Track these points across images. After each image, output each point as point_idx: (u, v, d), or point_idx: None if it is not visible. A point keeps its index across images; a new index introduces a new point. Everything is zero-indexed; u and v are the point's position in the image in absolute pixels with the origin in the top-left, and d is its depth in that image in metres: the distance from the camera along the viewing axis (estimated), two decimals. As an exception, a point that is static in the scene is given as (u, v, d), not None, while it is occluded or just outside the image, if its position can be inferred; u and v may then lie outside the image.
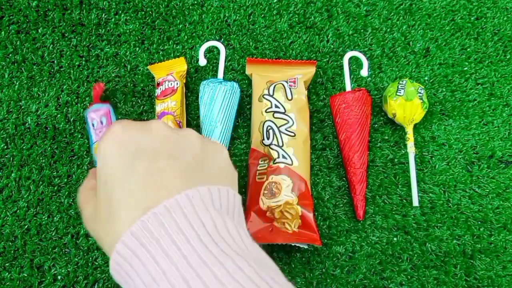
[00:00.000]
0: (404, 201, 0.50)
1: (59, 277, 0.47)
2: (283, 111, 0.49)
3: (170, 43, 0.56)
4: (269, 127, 0.48)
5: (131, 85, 0.54)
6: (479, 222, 0.50)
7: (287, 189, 0.46)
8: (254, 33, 0.56)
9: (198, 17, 0.57)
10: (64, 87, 0.54)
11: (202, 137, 0.30)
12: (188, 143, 0.28)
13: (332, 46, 0.56)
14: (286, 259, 0.48)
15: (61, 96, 0.53)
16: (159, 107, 0.51)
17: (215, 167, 0.29)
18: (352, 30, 0.57)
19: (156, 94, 0.52)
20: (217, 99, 0.49)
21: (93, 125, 0.44)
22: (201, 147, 0.29)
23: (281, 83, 0.50)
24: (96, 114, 0.47)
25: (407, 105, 0.49)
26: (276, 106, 0.49)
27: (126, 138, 0.27)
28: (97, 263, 0.48)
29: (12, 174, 0.50)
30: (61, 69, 0.54)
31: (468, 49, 0.57)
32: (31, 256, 0.48)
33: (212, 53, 0.55)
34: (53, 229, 0.49)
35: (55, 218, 0.49)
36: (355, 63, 0.55)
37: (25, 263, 0.47)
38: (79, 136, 0.52)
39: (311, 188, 0.49)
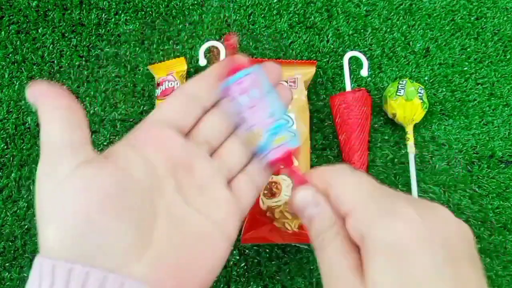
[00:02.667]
0: (404, 201, 0.50)
1: (59, 277, 0.47)
2: (283, 111, 0.49)
3: (170, 43, 0.56)
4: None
5: (131, 85, 0.54)
6: (479, 222, 0.50)
7: (287, 189, 0.46)
8: (254, 33, 0.56)
9: (198, 17, 0.57)
10: (64, 87, 0.54)
11: None
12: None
13: (332, 46, 0.56)
14: (286, 259, 0.48)
15: (61, 96, 0.53)
16: (159, 107, 0.51)
17: None
18: (352, 30, 0.57)
19: (156, 94, 0.52)
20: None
21: (241, 105, 0.25)
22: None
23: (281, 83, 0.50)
24: (241, 87, 0.25)
25: (407, 105, 0.49)
26: (276, 106, 0.49)
27: (424, 225, 0.20)
28: (97, 263, 0.48)
29: (12, 174, 0.50)
30: (61, 69, 0.54)
31: (468, 49, 0.57)
32: (31, 256, 0.48)
33: (212, 53, 0.55)
34: (53, 229, 0.49)
35: (55, 218, 0.49)
36: (355, 63, 0.55)
37: (25, 263, 0.47)
38: (79, 136, 0.52)
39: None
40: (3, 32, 0.55)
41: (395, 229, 0.20)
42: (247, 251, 0.48)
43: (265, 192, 0.46)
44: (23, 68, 0.54)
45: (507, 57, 0.56)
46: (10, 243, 0.48)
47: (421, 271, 0.19)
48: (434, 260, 0.19)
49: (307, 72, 0.52)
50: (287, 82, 0.50)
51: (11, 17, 0.56)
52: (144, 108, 0.53)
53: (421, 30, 0.57)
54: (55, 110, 0.24)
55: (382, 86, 0.55)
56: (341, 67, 0.55)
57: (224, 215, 0.24)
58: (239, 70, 0.25)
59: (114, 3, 0.57)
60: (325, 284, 0.23)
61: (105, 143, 0.52)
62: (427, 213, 0.21)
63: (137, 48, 0.55)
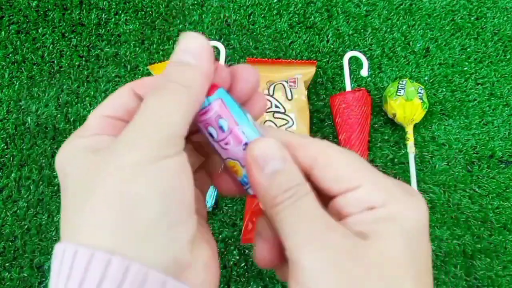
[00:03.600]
0: (404, 201, 0.50)
1: (59, 277, 0.47)
2: (283, 111, 0.49)
3: (170, 43, 0.56)
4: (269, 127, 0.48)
5: (131, 85, 0.54)
6: (479, 222, 0.50)
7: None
8: (254, 33, 0.56)
9: (198, 17, 0.57)
10: (64, 87, 0.54)
11: None
12: None
13: (332, 46, 0.56)
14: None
15: (61, 96, 0.53)
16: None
17: None
18: (352, 30, 0.57)
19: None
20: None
21: (211, 135, 0.22)
22: None
23: (281, 83, 0.50)
24: (208, 118, 0.22)
25: (407, 105, 0.49)
26: (276, 106, 0.49)
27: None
28: (97, 263, 0.48)
29: (12, 174, 0.50)
30: (61, 69, 0.54)
31: (468, 49, 0.57)
32: (31, 256, 0.48)
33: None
34: (53, 229, 0.49)
35: (55, 218, 0.49)
36: (355, 63, 0.55)
37: (25, 263, 0.47)
38: (79, 136, 0.52)
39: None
40: (3, 32, 0.55)
41: (416, 208, 0.19)
42: (247, 251, 0.48)
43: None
44: (23, 68, 0.54)
45: (507, 57, 0.56)
46: (10, 243, 0.48)
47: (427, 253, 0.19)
48: (426, 267, 0.19)
49: (307, 72, 0.52)
50: (287, 82, 0.50)
51: (11, 17, 0.56)
52: (144, 108, 0.53)
53: (421, 30, 0.57)
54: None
55: (382, 86, 0.55)
56: (341, 67, 0.55)
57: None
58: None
59: (114, 3, 0.57)
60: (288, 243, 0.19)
61: (105, 143, 0.52)
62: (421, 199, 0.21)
63: (137, 48, 0.55)
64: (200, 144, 0.24)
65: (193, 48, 0.20)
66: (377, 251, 0.18)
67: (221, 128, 0.21)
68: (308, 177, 0.20)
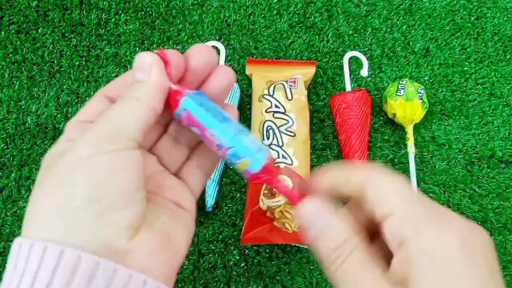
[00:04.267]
0: (404, 201, 0.50)
1: (59, 277, 0.47)
2: (283, 111, 0.49)
3: (170, 43, 0.56)
4: (269, 127, 0.48)
5: (131, 85, 0.54)
6: (479, 222, 0.50)
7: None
8: (254, 33, 0.56)
9: (198, 17, 0.57)
10: (64, 87, 0.54)
11: None
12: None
13: (332, 46, 0.56)
14: (286, 259, 0.48)
15: (61, 96, 0.53)
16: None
17: None
18: (352, 30, 0.57)
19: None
20: (217, 99, 0.49)
21: None
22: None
23: (281, 83, 0.50)
24: (184, 126, 0.25)
25: (407, 105, 0.49)
26: (276, 106, 0.49)
27: (478, 245, 0.19)
28: (97, 263, 0.47)
29: (12, 174, 0.50)
30: (61, 69, 0.54)
31: (468, 49, 0.57)
32: (31, 256, 0.48)
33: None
34: (53, 229, 0.49)
35: (55, 218, 0.49)
36: (355, 63, 0.55)
37: (25, 263, 0.47)
38: (79, 136, 0.52)
39: (311, 188, 0.49)
40: (3, 32, 0.55)
41: (445, 239, 0.18)
42: (247, 251, 0.48)
43: (265, 192, 0.46)
44: (23, 68, 0.54)
45: (507, 57, 0.56)
46: (10, 243, 0.48)
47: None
48: (482, 277, 0.18)
49: (307, 72, 0.52)
50: (287, 82, 0.50)
51: (11, 17, 0.56)
52: (144, 108, 0.53)
53: (421, 30, 0.57)
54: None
55: (382, 86, 0.55)
56: (341, 67, 0.55)
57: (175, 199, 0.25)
58: (177, 96, 0.23)
59: (114, 3, 0.57)
60: None
61: (105, 143, 0.52)
62: (471, 227, 0.19)
63: (137, 48, 0.55)
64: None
65: (143, 67, 0.23)
66: None
67: (195, 132, 0.24)
68: (362, 202, 0.21)
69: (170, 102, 0.23)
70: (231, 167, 0.22)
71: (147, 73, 0.23)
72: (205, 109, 0.23)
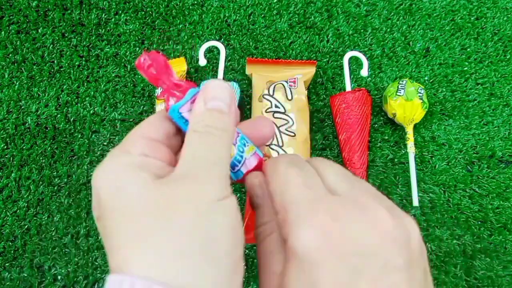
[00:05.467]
0: (404, 201, 0.50)
1: (59, 277, 0.47)
2: (283, 111, 0.49)
3: (170, 43, 0.56)
4: (269, 127, 0.48)
5: (131, 85, 0.54)
6: (479, 222, 0.50)
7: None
8: (254, 33, 0.56)
9: (198, 17, 0.57)
10: (64, 87, 0.54)
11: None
12: (413, 241, 0.20)
13: (332, 46, 0.56)
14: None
15: (61, 96, 0.53)
16: (159, 107, 0.51)
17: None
18: (352, 30, 0.57)
19: (156, 94, 0.52)
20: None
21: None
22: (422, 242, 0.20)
23: (281, 83, 0.50)
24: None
25: (407, 105, 0.49)
26: (276, 106, 0.49)
27: (338, 232, 0.18)
28: (97, 263, 0.48)
29: (12, 174, 0.50)
30: (61, 69, 0.54)
31: (468, 49, 0.56)
32: (31, 256, 0.48)
33: (212, 53, 0.55)
34: (53, 229, 0.49)
35: (55, 218, 0.49)
36: (355, 63, 0.55)
37: (25, 263, 0.47)
38: (79, 136, 0.52)
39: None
40: (3, 32, 0.55)
41: (303, 239, 0.19)
42: (247, 251, 0.48)
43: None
44: (23, 68, 0.54)
45: (507, 57, 0.56)
46: (10, 243, 0.48)
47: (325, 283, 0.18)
48: (339, 272, 0.18)
49: (307, 72, 0.52)
50: (287, 82, 0.50)
51: (11, 17, 0.56)
52: (144, 108, 0.53)
53: (421, 30, 0.57)
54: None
55: (382, 86, 0.55)
56: (341, 67, 0.55)
57: None
58: (180, 89, 0.23)
59: (114, 3, 0.57)
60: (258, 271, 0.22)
61: (105, 143, 0.52)
62: (350, 220, 0.19)
63: (137, 48, 0.55)
64: None
65: (225, 97, 0.22)
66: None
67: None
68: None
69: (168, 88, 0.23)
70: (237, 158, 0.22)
71: (229, 103, 0.22)
72: None
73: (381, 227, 0.19)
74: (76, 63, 0.54)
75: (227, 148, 0.21)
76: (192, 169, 0.19)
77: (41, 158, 0.51)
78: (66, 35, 0.56)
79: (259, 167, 0.24)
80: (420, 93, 0.50)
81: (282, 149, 0.47)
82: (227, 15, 0.57)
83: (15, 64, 0.54)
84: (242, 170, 0.24)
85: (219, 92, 0.22)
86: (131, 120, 0.53)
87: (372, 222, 0.19)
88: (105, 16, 0.56)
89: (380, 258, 0.18)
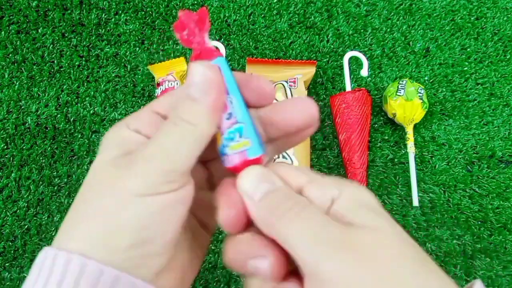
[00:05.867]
0: (404, 201, 0.50)
1: (59, 277, 0.47)
2: (283, 111, 0.49)
3: (170, 43, 0.56)
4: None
5: (131, 85, 0.54)
6: (479, 222, 0.50)
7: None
8: (254, 33, 0.56)
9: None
10: (64, 87, 0.54)
11: None
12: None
13: (332, 46, 0.56)
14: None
15: (61, 96, 0.53)
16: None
17: None
18: (352, 30, 0.57)
19: (156, 94, 0.52)
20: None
21: None
22: None
23: (281, 83, 0.50)
24: None
25: (407, 105, 0.49)
26: (276, 106, 0.49)
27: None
28: (97, 263, 0.48)
29: (12, 174, 0.50)
30: (61, 69, 0.54)
31: (468, 49, 0.57)
32: (31, 256, 0.48)
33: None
34: (53, 229, 0.49)
35: (55, 218, 0.49)
36: (355, 63, 0.55)
37: (25, 263, 0.47)
38: (79, 136, 0.52)
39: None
40: (3, 32, 0.55)
41: (361, 190, 0.20)
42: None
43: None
44: (23, 68, 0.54)
45: (507, 57, 0.56)
46: (10, 243, 0.48)
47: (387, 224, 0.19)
48: (389, 220, 0.19)
49: (307, 72, 0.52)
50: (287, 82, 0.50)
51: (11, 17, 0.56)
52: (144, 108, 0.53)
53: (421, 30, 0.57)
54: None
55: (382, 86, 0.55)
56: (341, 67, 0.55)
57: None
58: (205, 57, 0.21)
59: (114, 3, 0.57)
60: None
61: (105, 143, 0.52)
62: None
63: (137, 48, 0.55)
64: (211, 173, 0.24)
65: (198, 82, 0.20)
66: (370, 238, 0.18)
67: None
68: None
69: (202, 54, 0.21)
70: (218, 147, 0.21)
71: (204, 91, 0.20)
72: (233, 76, 0.21)
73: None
74: (76, 63, 0.54)
75: (186, 143, 0.19)
76: (137, 157, 0.19)
77: (41, 158, 0.51)
78: (66, 35, 0.56)
79: (241, 169, 0.21)
80: (420, 93, 0.50)
81: (282, 149, 0.47)
82: (227, 15, 0.57)
83: (15, 64, 0.54)
84: (226, 164, 0.21)
85: (196, 78, 0.20)
86: (131, 120, 0.53)
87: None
88: (105, 16, 0.56)
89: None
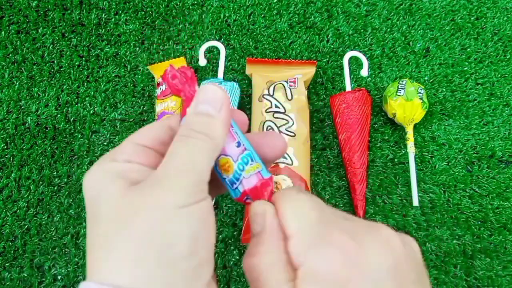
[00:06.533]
0: (404, 201, 0.50)
1: (59, 277, 0.47)
2: (283, 111, 0.49)
3: (170, 43, 0.56)
4: (269, 127, 0.48)
5: (131, 85, 0.54)
6: (479, 222, 0.50)
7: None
8: (254, 33, 0.56)
9: (198, 17, 0.57)
10: (64, 87, 0.54)
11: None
12: (418, 255, 0.21)
13: (332, 46, 0.56)
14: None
15: (61, 96, 0.53)
16: (159, 107, 0.51)
17: None
18: (352, 30, 0.57)
19: (156, 94, 0.52)
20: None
21: None
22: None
23: (281, 83, 0.50)
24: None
25: (407, 105, 0.49)
26: (276, 106, 0.49)
27: (357, 250, 0.19)
28: (97, 263, 0.48)
29: (12, 174, 0.50)
30: (61, 69, 0.54)
31: (468, 49, 0.57)
32: (31, 256, 0.48)
33: (212, 53, 0.55)
34: (53, 229, 0.49)
35: (55, 218, 0.49)
36: (355, 63, 0.55)
37: (25, 263, 0.47)
38: (79, 136, 0.52)
39: (311, 188, 0.49)
40: (3, 32, 0.55)
41: (326, 258, 0.19)
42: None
43: (265, 192, 0.46)
44: (23, 68, 0.54)
45: (507, 57, 0.56)
46: (10, 243, 0.48)
47: None
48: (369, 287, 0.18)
49: (307, 72, 0.52)
50: (287, 82, 0.50)
51: (11, 17, 0.56)
52: (144, 108, 0.53)
53: (421, 30, 0.57)
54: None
55: (382, 86, 0.55)
56: (341, 67, 0.55)
57: None
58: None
59: (114, 3, 0.57)
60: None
61: (105, 143, 0.52)
62: (366, 239, 0.20)
63: (137, 48, 0.55)
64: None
65: (214, 100, 0.22)
66: None
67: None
68: None
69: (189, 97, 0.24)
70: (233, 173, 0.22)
71: (218, 108, 0.22)
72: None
73: (393, 245, 0.20)
74: (76, 63, 0.54)
75: (206, 154, 0.20)
76: (162, 174, 0.19)
77: (41, 158, 0.51)
78: (66, 35, 0.56)
79: (260, 188, 0.23)
80: (420, 93, 0.50)
81: (282, 149, 0.47)
82: (227, 15, 0.57)
83: (15, 64, 0.54)
84: (239, 189, 0.23)
85: (210, 96, 0.22)
86: (131, 120, 0.53)
87: (385, 241, 0.20)
88: (105, 16, 0.56)
89: (399, 275, 0.19)
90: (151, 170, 0.21)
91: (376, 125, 0.53)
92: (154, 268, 0.17)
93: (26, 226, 0.49)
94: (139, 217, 0.18)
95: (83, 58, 0.55)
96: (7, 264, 0.47)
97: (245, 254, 0.22)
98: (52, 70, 0.54)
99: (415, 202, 0.50)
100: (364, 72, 0.55)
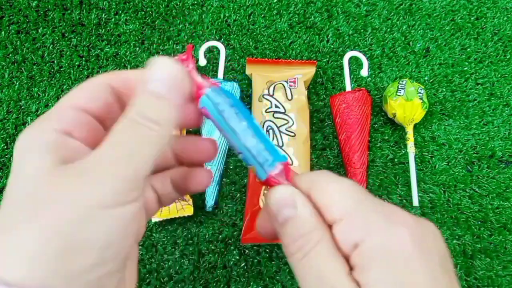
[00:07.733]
0: (404, 201, 0.50)
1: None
2: (283, 111, 0.49)
3: (170, 43, 0.56)
4: (269, 127, 0.48)
5: (131, 85, 0.54)
6: (479, 222, 0.50)
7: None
8: (254, 33, 0.56)
9: (198, 17, 0.57)
10: (64, 87, 0.54)
11: None
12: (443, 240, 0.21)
13: (332, 46, 0.56)
14: (286, 259, 0.48)
15: (61, 96, 0.53)
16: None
17: None
18: (352, 30, 0.57)
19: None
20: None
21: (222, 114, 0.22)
22: None
23: (281, 83, 0.50)
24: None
25: (407, 105, 0.49)
26: (276, 106, 0.49)
27: (420, 230, 0.19)
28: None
29: (12, 174, 0.50)
30: (61, 69, 0.54)
31: (468, 49, 0.57)
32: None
33: (212, 53, 0.55)
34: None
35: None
36: (355, 63, 0.55)
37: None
38: (79, 136, 0.52)
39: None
40: (3, 32, 0.55)
41: (395, 234, 0.18)
42: (247, 251, 0.48)
43: (265, 192, 0.46)
44: (23, 68, 0.54)
45: (507, 57, 0.56)
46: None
47: (422, 279, 0.18)
48: (433, 268, 0.18)
49: (307, 72, 0.52)
50: (287, 82, 0.50)
51: (11, 17, 0.56)
52: (144, 108, 0.53)
53: (421, 30, 0.57)
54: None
55: (382, 86, 0.55)
56: (341, 67, 0.55)
57: None
58: (199, 91, 0.22)
59: (114, 3, 0.57)
60: None
61: (105, 143, 0.52)
62: (421, 222, 0.20)
63: (137, 48, 0.55)
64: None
65: (163, 78, 0.18)
66: None
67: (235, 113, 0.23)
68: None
69: (195, 94, 0.22)
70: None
71: (168, 87, 0.18)
72: (220, 110, 0.22)
73: (434, 231, 0.20)
74: (76, 63, 0.54)
75: (150, 144, 0.17)
76: (93, 163, 0.17)
77: (41, 158, 0.51)
78: (66, 35, 0.56)
79: (285, 173, 0.23)
80: (420, 93, 0.50)
81: (282, 149, 0.47)
82: (227, 15, 0.57)
83: (15, 64, 0.54)
84: (267, 170, 0.22)
85: (161, 73, 0.18)
86: (131, 120, 0.53)
87: (427, 226, 0.20)
88: (105, 16, 0.56)
89: (446, 258, 0.19)
90: (88, 148, 0.19)
91: (376, 125, 0.53)
92: (50, 273, 0.15)
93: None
94: (50, 211, 0.16)
95: (83, 58, 0.55)
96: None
97: (287, 253, 0.20)
98: (52, 70, 0.54)
99: (415, 202, 0.50)
100: (364, 72, 0.55)
